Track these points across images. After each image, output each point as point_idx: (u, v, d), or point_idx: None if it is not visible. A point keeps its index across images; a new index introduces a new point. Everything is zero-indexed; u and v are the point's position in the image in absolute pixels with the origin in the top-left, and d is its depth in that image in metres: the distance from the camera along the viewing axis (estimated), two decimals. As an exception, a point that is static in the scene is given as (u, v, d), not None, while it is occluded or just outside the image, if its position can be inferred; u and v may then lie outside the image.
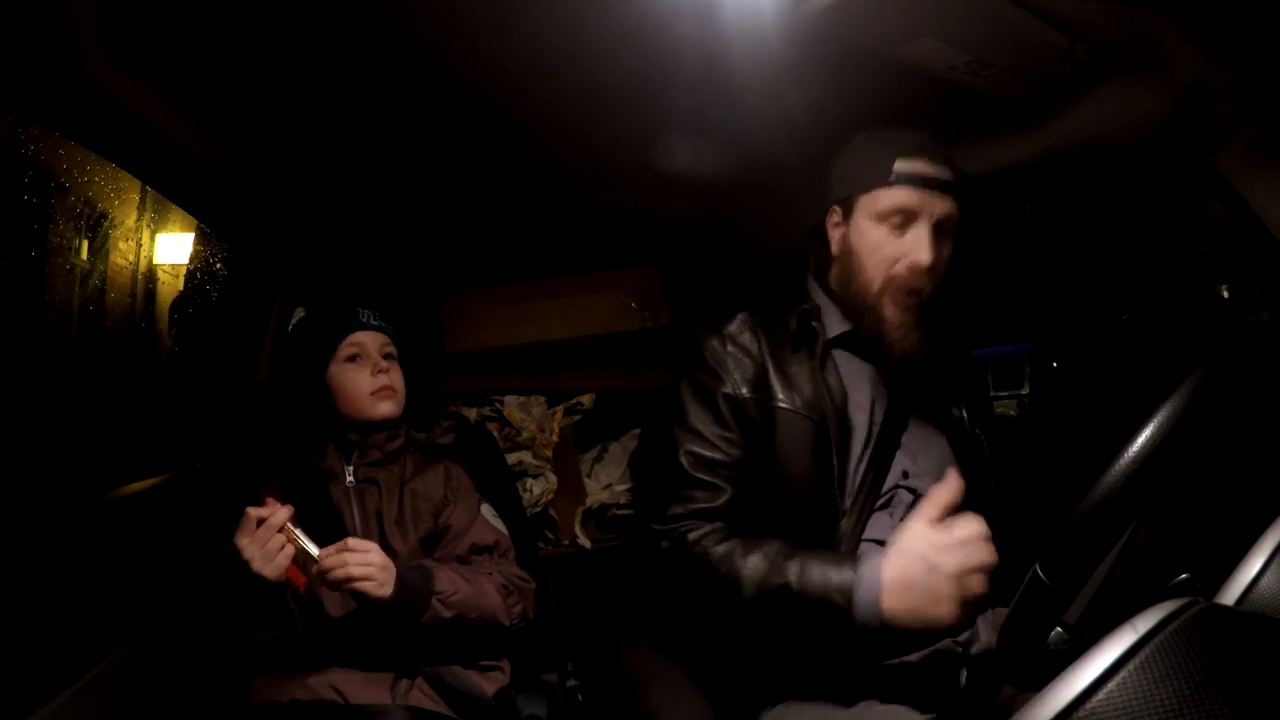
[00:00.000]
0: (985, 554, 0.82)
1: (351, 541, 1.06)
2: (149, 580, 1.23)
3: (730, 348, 1.07)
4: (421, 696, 1.10)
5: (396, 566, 1.08)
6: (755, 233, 1.67)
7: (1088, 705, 0.42)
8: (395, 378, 1.30)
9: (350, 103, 1.09)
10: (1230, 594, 0.54)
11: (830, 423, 1.02)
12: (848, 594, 0.85)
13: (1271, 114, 0.91)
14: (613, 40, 0.94)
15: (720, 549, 0.96)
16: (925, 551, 0.83)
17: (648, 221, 1.69)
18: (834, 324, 1.10)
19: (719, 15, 0.87)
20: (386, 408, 1.27)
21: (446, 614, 1.10)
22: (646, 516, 1.05)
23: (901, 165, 1.02)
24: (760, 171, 1.38)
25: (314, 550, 1.05)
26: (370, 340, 1.30)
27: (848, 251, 1.08)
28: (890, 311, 1.04)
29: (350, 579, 1.03)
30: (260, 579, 1.01)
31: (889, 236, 1.03)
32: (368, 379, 1.27)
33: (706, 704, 1.04)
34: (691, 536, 0.99)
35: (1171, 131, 0.97)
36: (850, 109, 1.08)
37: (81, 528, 1.15)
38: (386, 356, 1.31)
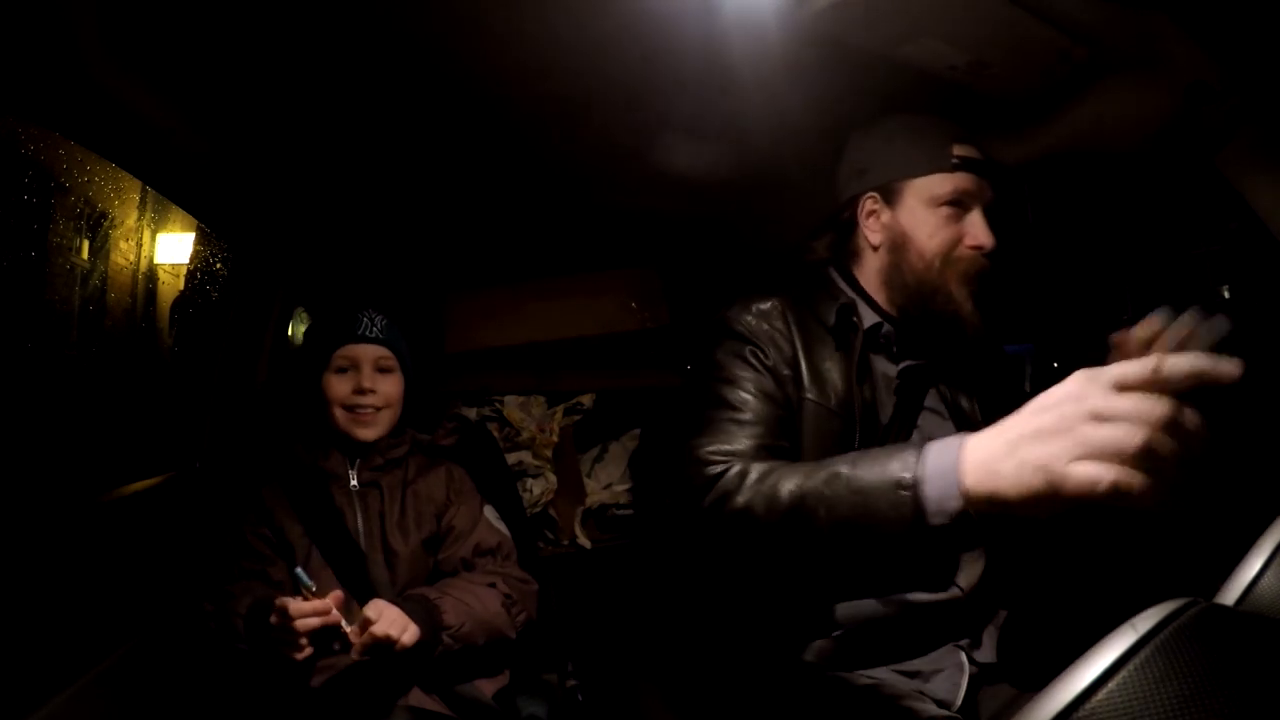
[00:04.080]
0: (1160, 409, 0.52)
1: (371, 612, 1.03)
2: (150, 580, 1.23)
3: (766, 326, 1.03)
4: (422, 696, 1.10)
5: (403, 608, 1.07)
6: (755, 233, 1.67)
7: (1088, 705, 0.42)
8: (385, 393, 1.26)
9: (351, 104, 1.09)
10: (1230, 594, 0.53)
11: (859, 423, 0.99)
12: (910, 480, 0.66)
13: (1271, 114, 0.91)
14: (613, 41, 0.94)
15: (755, 473, 0.81)
16: (1059, 399, 0.57)
17: (648, 221, 1.69)
18: (863, 319, 1.06)
19: (719, 15, 0.87)
20: (364, 433, 1.24)
21: (456, 646, 1.11)
22: (679, 473, 0.90)
23: (960, 149, 1.02)
24: (760, 171, 1.38)
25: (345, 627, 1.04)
26: (364, 353, 1.25)
27: (898, 237, 1.04)
28: (957, 288, 1.02)
29: (386, 638, 1.02)
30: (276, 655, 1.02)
31: (946, 221, 1.02)
32: (349, 396, 1.23)
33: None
34: (731, 473, 0.84)
35: (1171, 131, 0.97)
36: (850, 109, 1.08)
37: (82, 528, 1.15)
38: (382, 370, 1.27)
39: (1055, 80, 0.99)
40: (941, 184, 1.02)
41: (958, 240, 1.02)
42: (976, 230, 1.02)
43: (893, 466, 0.68)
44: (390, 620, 1.02)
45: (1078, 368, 0.58)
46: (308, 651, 1.01)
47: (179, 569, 1.25)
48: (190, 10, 0.85)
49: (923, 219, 1.03)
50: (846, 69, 0.99)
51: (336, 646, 1.07)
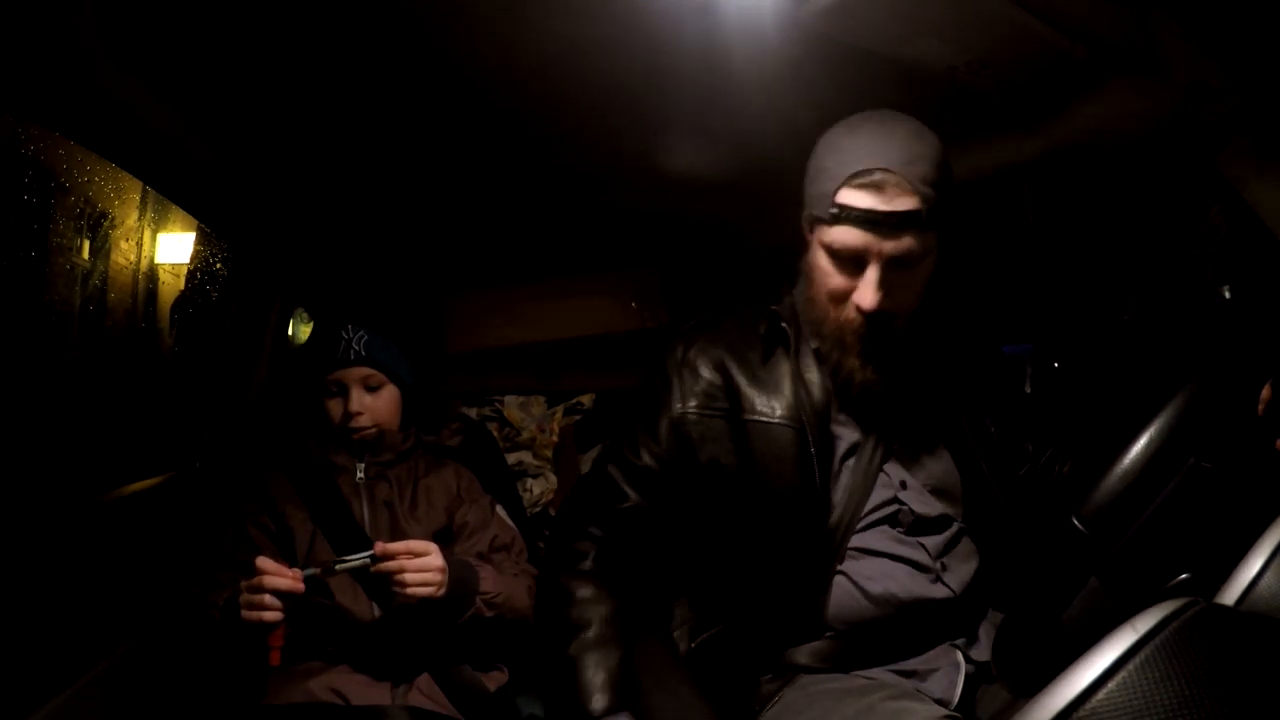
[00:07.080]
0: None
1: (415, 544, 1.06)
2: (150, 580, 1.23)
3: (688, 357, 1.04)
4: (421, 697, 1.10)
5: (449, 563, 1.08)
6: (756, 233, 1.67)
7: (1088, 705, 0.42)
8: (375, 411, 1.28)
9: (351, 104, 1.09)
10: (1230, 594, 0.53)
11: (810, 429, 0.97)
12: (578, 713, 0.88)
13: (1271, 114, 0.91)
14: (613, 41, 0.94)
15: (573, 589, 0.97)
16: None
17: (648, 221, 1.69)
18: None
19: (719, 15, 0.87)
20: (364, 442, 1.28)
21: (488, 614, 1.12)
22: (565, 507, 1.11)
23: (846, 197, 0.89)
24: (761, 171, 1.38)
25: (358, 561, 1.04)
26: (350, 376, 1.27)
27: (808, 268, 1.00)
28: (847, 340, 0.96)
29: (405, 586, 1.03)
30: (237, 623, 1.00)
31: (837, 270, 0.93)
32: (342, 419, 1.27)
33: (707, 704, 1.03)
34: (569, 551, 1.00)
35: (1171, 131, 0.97)
36: (851, 109, 1.08)
37: (82, 527, 1.15)
38: (371, 389, 1.29)
39: (1055, 80, 0.99)
40: (825, 233, 0.92)
41: (845, 294, 0.93)
42: (861, 289, 0.91)
43: (581, 696, 0.89)
44: (422, 566, 1.04)
45: (1078, 368, 0.58)
46: (277, 615, 0.99)
47: (179, 569, 1.25)
48: (192, 11, 0.85)
49: (819, 261, 0.95)
50: (846, 69, 0.99)
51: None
